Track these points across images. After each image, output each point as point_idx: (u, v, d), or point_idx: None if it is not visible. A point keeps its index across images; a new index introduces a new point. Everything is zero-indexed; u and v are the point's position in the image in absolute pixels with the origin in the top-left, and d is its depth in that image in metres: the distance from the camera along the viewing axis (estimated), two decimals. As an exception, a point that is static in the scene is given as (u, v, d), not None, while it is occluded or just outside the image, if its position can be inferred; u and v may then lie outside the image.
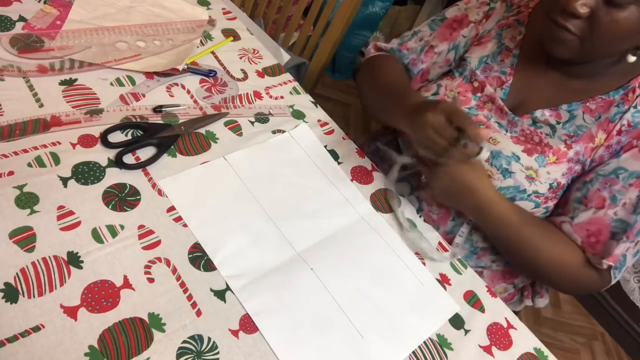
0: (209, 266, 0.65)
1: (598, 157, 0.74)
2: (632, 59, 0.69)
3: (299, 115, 0.90)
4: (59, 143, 0.71)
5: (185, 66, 0.88)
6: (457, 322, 0.71)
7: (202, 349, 0.58)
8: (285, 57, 1.20)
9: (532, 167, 0.76)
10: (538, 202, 0.77)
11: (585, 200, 0.73)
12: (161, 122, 0.79)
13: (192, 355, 0.57)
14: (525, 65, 0.82)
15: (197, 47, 0.94)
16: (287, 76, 0.97)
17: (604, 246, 0.71)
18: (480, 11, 0.89)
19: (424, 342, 0.67)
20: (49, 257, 0.60)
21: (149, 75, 0.86)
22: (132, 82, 0.84)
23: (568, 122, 0.76)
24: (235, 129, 0.83)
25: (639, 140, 0.72)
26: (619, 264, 0.70)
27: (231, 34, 1.01)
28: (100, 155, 0.72)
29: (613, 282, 0.72)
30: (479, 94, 0.83)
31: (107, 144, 0.73)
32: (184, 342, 0.58)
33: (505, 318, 0.74)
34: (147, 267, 0.63)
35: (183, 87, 0.86)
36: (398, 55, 0.93)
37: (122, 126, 0.76)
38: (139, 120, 0.78)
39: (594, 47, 0.66)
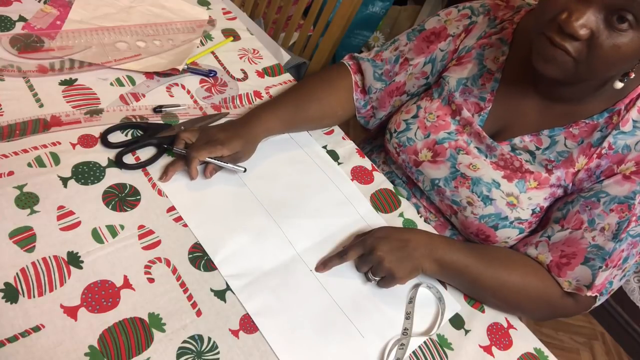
0: (209, 266, 0.65)
1: (578, 180, 0.72)
2: (619, 85, 0.66)
3: (299, 120, 0.90)
4: (59, 143, 0.71)
5: (185, 66, 0.88)
6: (457, 322, 0.71)
7: (202, 349, 0.58)
8: (285, 57, 1.20)
9: (512, 193, 0.74)
10: (522, 229, 0.75)
11: (563, 221, 0.72)
12: (161, 122, 0.79)
13: (192, 355, 0.57)
14: (508, 89, 0.78)
15: (197, 47, 0.94)
16: (287, 76, 0.97)
17: (574, 271, 0.69)
18: (460, 24, 0.83)
19: (424, 342, 0.67)
20: (49, 257, 0.60)
21: (149, 75, 0.86)
22: (132, 82, 0.84)
23: (549, 149, 0.74)
24: (235, 129, 0.83)
25: (619, 165, 0.69)
26: (604, 291, 0.69)
27: (231, 34, 1.01)
28: (100, 155, 0.72)
29: (596, 305, 0.71)
30: (457, 117, 0.81)
31: (107, 144, 0.73)
32: (184, 342, 0.58)
33: (506, 318, 0.74)
34: (147, 267, 0.63)
35: (183, 87, 0.86)
36: (372, 65, 0.88)
37: (122, 126, 0.76)
38: (139, 120, 0.78)
39: (589, 70, 0.62)
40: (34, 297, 0.56)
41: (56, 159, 0.69)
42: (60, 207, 0.64)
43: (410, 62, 0.86)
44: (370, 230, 0.71)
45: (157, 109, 0.80)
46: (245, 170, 0.75)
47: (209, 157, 0.71)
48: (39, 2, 0.90)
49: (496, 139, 0.78)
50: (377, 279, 0.69)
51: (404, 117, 0.85)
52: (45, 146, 0.70)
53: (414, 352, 0.66)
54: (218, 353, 0.58)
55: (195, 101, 0.85)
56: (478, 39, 0.83)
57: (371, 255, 0.67)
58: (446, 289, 0.74)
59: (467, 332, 0.70)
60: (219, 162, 0.72)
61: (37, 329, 0.54)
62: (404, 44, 0.88)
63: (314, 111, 0.85)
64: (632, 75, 0.65)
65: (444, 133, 0.81)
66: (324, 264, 0.69)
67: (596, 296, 0.69)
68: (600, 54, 0.59)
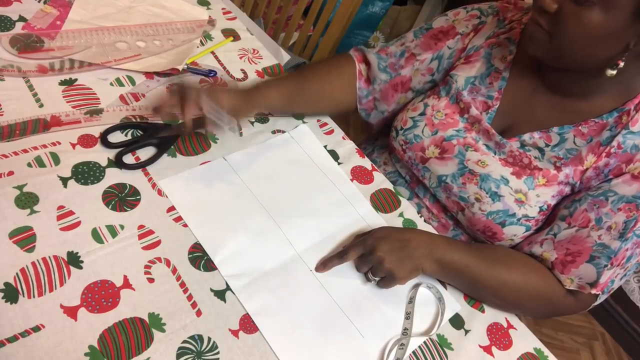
0: (209, 266, 0.65)
1: (586, 178, 0.72)
2: (610, 72, 0.67)
3: (299, 115, 0.90)
4: (59, 143, 0.71)
5: (185, 66, 0.88)
6: (457, 322, 0.71)
7: (202, 349, 0.58)
8: (285, 57, 1.20)
9: (521, 190, 0.74)
10: (529, 226, 0.75)
11: (569, 219, 0.72)
12: (161, 122, 0.79)
13: (192, 355, 0.57)
14: (516, 87, 0.80)
15: (197, 47, 0.94)
16: (287, 76, 0.97)
17: (579, 269, 0.69)
18: (469, 24, 0.85)
19: (424, 342, 0.67)
20: (49, 257, 0.60)
21: (149, 75, 0.86)
22: (132, 82, 0.83)
23: (558, 145, 0.74)
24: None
25: (628, 164, 0.70)
26: (606, 289, 0.70)
27: (231, 34, 1.01)
28: (100, 155, 0.72)
29: (596, 303, 0.72)
30: (465, 115, 0.81)
31: (107, 144, 0.73)
32: (184, 342, 0.58)
33: (505, 318, 0.74)
34: (147, 267, 0.63)
35: (183, 87, 0.86)
36: (377, 58, 0.89)
37: (122, 126, 0.76)
38: (139, 120, 0.78)
39: (562, 46, 0.66)
40: (34, 297, 0.56)
41: (56, 159, 0.69)
42: (60, 207, 0.64)
43: (417, 58, 0.87)
44: (370, 231, 0.71)
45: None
46: (241, 134, 0.74)
47: (207, 104, 0.69)
48: (39, 2, 0.90)
49: (505, 135, 0.78)
50: (377, 279, 0.69)
51: (411, 114, 0.85)
52: (45, 146, 0.70)
53: (414, 352, 0.66)
54: (218, 353, 0.58)
55: (195, 101, 0.85)
56: (487, 38, 0.84)
57: (371, 256, 0.67)
58: (446, 288, 0.74)
59: (467, 332, 0.70)
60: (218, 113, 0.71)
61: (37, 329, 0.54)
62: (410, 40, 0.89)
63: (313, 91, 0.87)
64: (621, 64, 0.66)
65: (452, 130, 0.81)
66: (324, 264, 0.69)
67: (597, 295, 0.69)
68: (567, 27, 0.63)
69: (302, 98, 0.86)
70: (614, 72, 0.67)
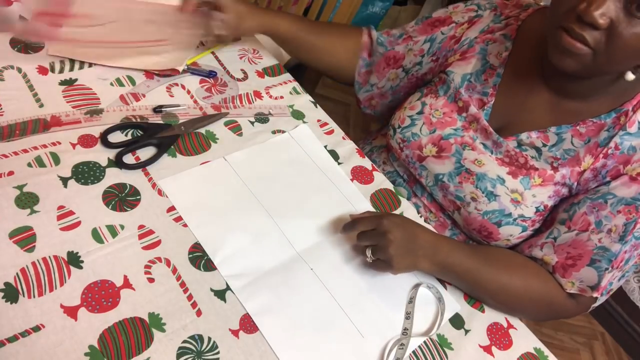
0: (209, 266, 0.65)
1: (584, 180, 0.72)
2: (630, 76, 0.66)
3: (298, 115, 0.90)
4: (59, 143, 0.71)
5: (186, 66, 0.88)
6: (457, 322, 0.71)
7: (202, 349, 0.58)
8: (286, 56, 1.20)
9: (517, 189, 0.74)
10: (525, 226, 0.75)
11: (569, 222, 0.72)
12: (161, 122, 0.79)
13: (192, 355, 0.57)
14: (512, 84, 0.79)
15: (197, 47, 0.94)
16: (287, 76, 0.97)
17: (580, 272, 0.69)
18: (465, 15, 0.87)
19: (424, 342, 0.67)
20: (49, 257, 0.60)
21: (149, 75, 0.86)
22: (132, 82, 0.83)
23: (555, 146, 0.74)
24: (235, 129, 0.83)
25: (625, 166, 0.69)
26: (605, 291, 0.70)
27: (231, 34, 1.01)
28: (100, 155, 0.72)
29: (596, 305, 0.72)
30: (464, 114, 0.81)
31: (107, 144, 0.73)
32: (184, 342, 0.58)
33: (506, 318, 0.74)
34: (147, 267, 0.63)
35: (183, 87, 0.86)
36: (378, 34, 0.94)
37: (122, 126, 0.76)
38: (139, 120, 0.78)
39: (607, 62, 0.62)
40: (34, 297, 0.56)
41: (56, 159, 0.69)
42: (60, 207, 0.64)
43: (413, 39, 0.90)
44: (384, 213, 0.69)
45: (157, 109, 0.80)
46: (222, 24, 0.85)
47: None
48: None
49: (501, 134, 0.78)
50: (374, 258, 0.67)
51: (409, 113, 0.85)
52: (45, 146, 0.70)
53: (414, 352, 0.66)
54: (218, 353, 0.58)
55: (195, 101, 0.85)
56: (481, 32, 0.84)
57: (381, 236, 0.65)
58: (446, 288, 0.74)
59: (467, 332, 0.70)
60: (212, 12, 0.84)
61: (37, 329, 0.54)
62: (410, 26, 0.93)
63: (319, 40, 0.94)
64: None
65: (450, 129, 0.81)
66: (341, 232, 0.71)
67: (597, 297, 0.69)
68: (620, 43, 0.59)
69: (307, 41, 0.93)
70: (635, 76, 0.66)
